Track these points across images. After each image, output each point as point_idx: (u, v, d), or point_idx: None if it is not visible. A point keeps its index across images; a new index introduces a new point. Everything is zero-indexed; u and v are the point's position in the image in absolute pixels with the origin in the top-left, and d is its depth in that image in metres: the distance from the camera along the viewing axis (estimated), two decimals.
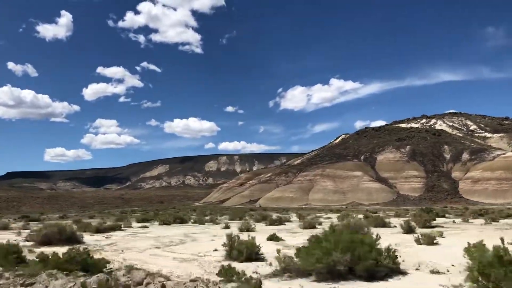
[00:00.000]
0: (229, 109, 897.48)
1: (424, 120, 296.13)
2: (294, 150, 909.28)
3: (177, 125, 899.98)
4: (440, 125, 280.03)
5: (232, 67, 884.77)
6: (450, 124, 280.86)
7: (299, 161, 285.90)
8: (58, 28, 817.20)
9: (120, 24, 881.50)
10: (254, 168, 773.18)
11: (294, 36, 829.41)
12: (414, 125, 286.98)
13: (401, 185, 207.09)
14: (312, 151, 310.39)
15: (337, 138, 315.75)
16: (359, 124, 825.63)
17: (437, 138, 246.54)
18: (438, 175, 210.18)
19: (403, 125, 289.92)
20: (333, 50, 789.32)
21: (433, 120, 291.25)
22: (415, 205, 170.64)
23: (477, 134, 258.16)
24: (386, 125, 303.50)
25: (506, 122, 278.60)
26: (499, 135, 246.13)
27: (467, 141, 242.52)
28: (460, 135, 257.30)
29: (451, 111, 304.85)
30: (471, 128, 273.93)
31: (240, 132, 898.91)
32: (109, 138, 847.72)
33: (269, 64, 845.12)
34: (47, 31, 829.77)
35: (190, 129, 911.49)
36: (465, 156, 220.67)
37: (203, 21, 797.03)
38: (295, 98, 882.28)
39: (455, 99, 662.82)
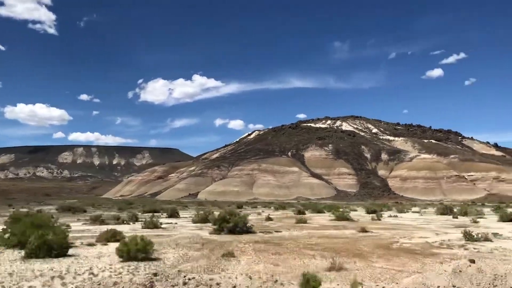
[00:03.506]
0: (84, 97, 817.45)
1: (329, 121, 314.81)
2: (152, 144, 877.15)
3: (21, 110, 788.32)
4: (346, 127, 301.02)
5: (90, 53, 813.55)
6: (355, 126, 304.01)
7: (217, 155, 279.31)
8: None
9: None
10: (114, 162, 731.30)
11: (160, 27, 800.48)
12: (322, 125, 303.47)
13: (336, 181, 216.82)
14: (226, 145, 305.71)
15: (250, 134, 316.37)
16: (218, 122, 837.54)
17: (353, 138, 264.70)
18: (366, 173, 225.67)
19: (312, 125, 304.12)
20: (198, 46, 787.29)
21: (338, 122, 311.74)
22: (358, 200, 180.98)
23: (381, 137, 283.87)
24: (292, 124, 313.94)
25: (399, 127, 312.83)
26: (402, 138, 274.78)
27: (379, 142, 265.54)
28: (368, 137, 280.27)
29: (352, 114, 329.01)
30: (374, 131, 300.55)
31: (94, 123, 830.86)
32: None
33: (131, 53, 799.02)
34: None
35: (37, 116, 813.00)
36: (384, 156, 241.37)
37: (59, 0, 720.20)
38: (156, 90, 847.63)
39: (307, 104, 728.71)
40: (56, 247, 15.52)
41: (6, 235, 18.42)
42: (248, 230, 25.97)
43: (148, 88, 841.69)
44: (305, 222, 35.30)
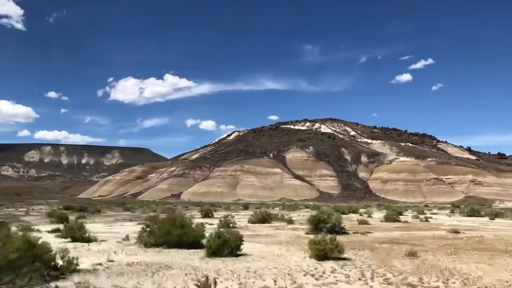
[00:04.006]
0: (52, 94, 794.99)
1: (308, 124, 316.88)
2: (121, 143, 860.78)
3: None
4: (324, 129, 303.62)
5: (59, 50, 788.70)
6: (333, 129, 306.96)
7: (196, 155, 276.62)
8: None
9: None
10: (83, 161, 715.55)
11: (131, 25, 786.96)
12: (301, 127, 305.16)
13: (318, 183, 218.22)
14: (205, 146, 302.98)
15: (229, 135, 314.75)
16: (190, 122, 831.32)
17: (333, 140, 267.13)
18: (347, 174, 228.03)
19: (292, 127, 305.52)
20: (170, 46, 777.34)
21: (317, 124, 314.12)
22: (341, 201, 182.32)
23: (359, 140, 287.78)
24: (271, 125, 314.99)
25: (375, 130, 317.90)
26: (380, 141, 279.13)
27: (357, 145, 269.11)
28: (347, 139, 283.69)
29: (330, 117, 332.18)
30: (352, 133, 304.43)
31: (62, 121, 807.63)
32: None
33: (102, 51, 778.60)
34: None
35: (1, 113, 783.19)
36: (364, 158, 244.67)
37: None
38: (127, 89, 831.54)
39: (279, 106, 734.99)
40: (234, 246, 14.62)
41: (144, 234, 17.35)
42: (343, 231, 25.37)
43: (119, 86, 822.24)
44: (366, 223, 34.90)
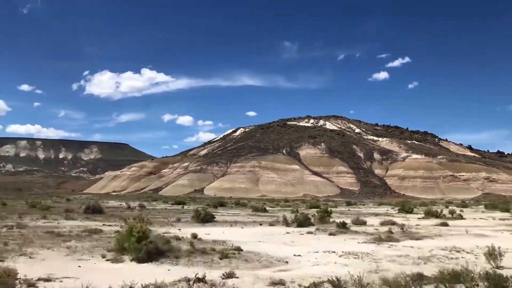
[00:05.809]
0: (24, 87, 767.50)
1: (312, 121, 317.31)
2: (96, 138, 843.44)
3: None
4: (329, 126, 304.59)
5: (33, 42, 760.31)
6: (338, 126, 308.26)
7: (205, 151, 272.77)
8: None
9: None
10: (61, 156, 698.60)
11: (108, 18, 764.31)
12: (306, 124, 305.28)
13: (336, 180, 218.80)
14: (210, 142, 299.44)
15: (235, 131, 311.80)
16: (167, 118, 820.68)
17: (343, 137, 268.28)
18: (363, 171, 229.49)
19: (297, 123, 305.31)
20: (148, 40, 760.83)
21: (321, 121, 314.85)
22: (365, 198, 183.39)
23: (365, 137, 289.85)
24: (274, 121, 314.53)
25: (378, 128, 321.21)
26: (386, 139, 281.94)
27: (367, 142, 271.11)
28: (355, 136, 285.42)
29: (333, 114, 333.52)
30: (356, 131, 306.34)
31: (35, 115, 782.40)
32: None
33: (77, 44, 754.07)
34: None
35: None
36: (377, 156, 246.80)
37: None
38: (103, 83, 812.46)
39: (256, 102, 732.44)
40: None
41: None
42: None
43: (94, 80, 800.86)
44: None
